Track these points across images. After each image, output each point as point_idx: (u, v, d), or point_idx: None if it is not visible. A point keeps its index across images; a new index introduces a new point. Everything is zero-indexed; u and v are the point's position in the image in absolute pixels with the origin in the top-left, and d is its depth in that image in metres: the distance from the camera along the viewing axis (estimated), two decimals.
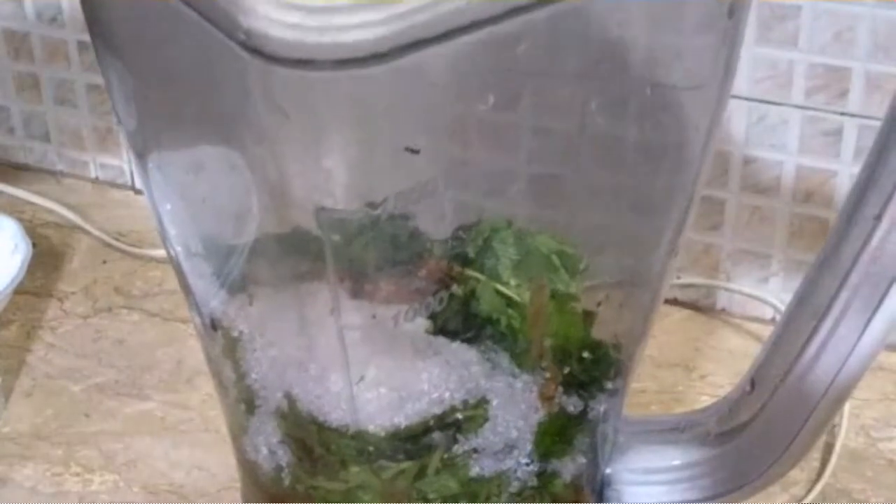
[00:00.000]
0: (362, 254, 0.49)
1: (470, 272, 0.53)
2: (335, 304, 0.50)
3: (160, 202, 0.55)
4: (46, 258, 0.93)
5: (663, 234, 0.56)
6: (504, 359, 0.54)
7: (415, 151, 0.46)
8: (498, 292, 0.53)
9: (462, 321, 0.53)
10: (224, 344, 0.56)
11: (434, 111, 0.47)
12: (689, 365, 0.83)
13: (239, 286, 0.54)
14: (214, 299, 0.55)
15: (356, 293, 0.51)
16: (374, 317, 0.51)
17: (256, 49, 0.41)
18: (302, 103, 0.44)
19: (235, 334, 0.55)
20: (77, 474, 0.77)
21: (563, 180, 0.53)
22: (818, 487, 0.74)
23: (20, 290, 0.84)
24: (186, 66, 0.49)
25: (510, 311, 0.53)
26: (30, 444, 0.79)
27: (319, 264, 0.49)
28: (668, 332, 0.85)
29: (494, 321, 0.53)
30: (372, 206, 0.47)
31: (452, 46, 0.42)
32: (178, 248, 0.56)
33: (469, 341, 0.53)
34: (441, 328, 0.53)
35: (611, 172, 0.53)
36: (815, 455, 0.76)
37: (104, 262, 0.94)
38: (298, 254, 0.50)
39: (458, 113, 0.48)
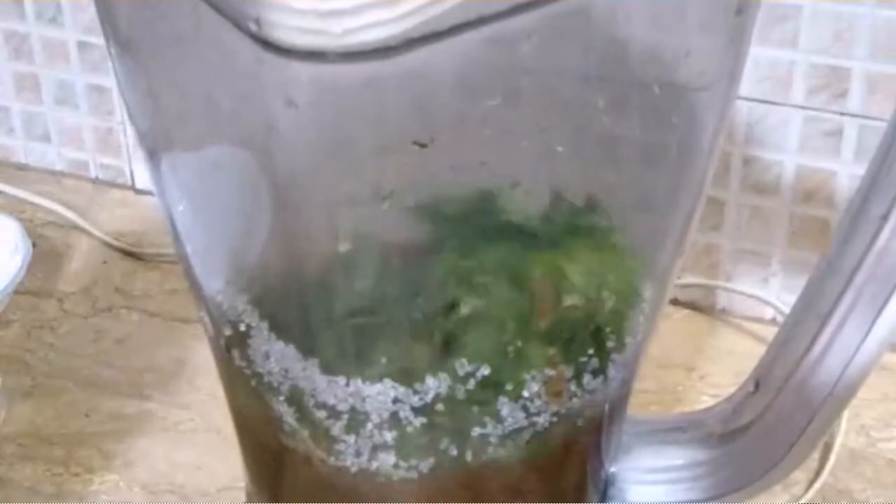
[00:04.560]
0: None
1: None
2: (343, 299, 0.50)
3: (172, 202, 0.55)
4: (46, 258, 0.93)
5: (669, 234, 0.56)
6: (510, 355, 0.54)
7: (422, 145, 0.46)
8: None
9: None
10: (233, 340, 0.56)
11: (441, 107, 0.47)
12: (690, 365, 0.83)
13: (249, 283, 0.54)
14: (224, 296, 0.55)
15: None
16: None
17: (267, 41, 0.41)
18: (312, 96, 0.44)
19: (244, 329, 0.55)
20: (77, 474, 0.77)
21: (568, 179, 0.53)
22: (816, 486, 0.74)
23: (20, 290, 0.84)
24: (200, 62, 0.49)
25: (516, 307, 0.53)
26: (30, 444, 0.79)
27: (329, 260, 0.49)
28: (668, 332, 0.85)
29: (501, 318, 0.53)
30: (380, 199, 0.47)
31: (461, 42, 0.42)
32: (188, 247, 0.56)
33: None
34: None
35: (617, 171, 0.53)
36: (815, 455, 0.76)
37: (104, 262, 0.94)
38: (307, 250, 0.50)
39: (465, 109, 0.48)
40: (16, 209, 0.97)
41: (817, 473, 0.75)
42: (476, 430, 0.54)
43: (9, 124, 1.03)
